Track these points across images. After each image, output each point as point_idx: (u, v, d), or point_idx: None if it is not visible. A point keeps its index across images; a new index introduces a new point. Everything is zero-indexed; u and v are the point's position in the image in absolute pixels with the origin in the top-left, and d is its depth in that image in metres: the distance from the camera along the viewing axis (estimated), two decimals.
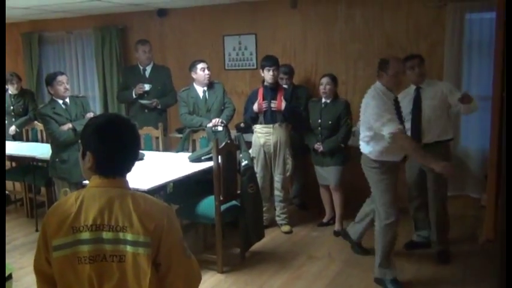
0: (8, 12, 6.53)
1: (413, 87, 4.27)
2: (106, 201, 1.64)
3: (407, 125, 4.15)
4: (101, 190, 1.67)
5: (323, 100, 4.87)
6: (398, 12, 5.45)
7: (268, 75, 4.83)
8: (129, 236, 1.61)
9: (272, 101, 4.84)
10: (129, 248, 1.61)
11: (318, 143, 4.84)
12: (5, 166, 1.69)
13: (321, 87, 4.84)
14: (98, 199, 1.65)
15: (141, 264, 1.61)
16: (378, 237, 3.77)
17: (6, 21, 7.61)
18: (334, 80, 4.84)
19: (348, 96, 5.40)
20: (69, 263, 1.63)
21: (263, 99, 4.86)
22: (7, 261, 2.07)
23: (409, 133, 4.21)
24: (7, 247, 4.61)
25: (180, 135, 5.37)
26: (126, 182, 1.73)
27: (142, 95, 5.65)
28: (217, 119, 5.03)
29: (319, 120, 4.85)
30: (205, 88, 5.14)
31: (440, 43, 5.19)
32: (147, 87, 5.62)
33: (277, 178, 5.01)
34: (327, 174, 4.90)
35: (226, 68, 6.54)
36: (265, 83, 4.91)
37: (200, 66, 5.08)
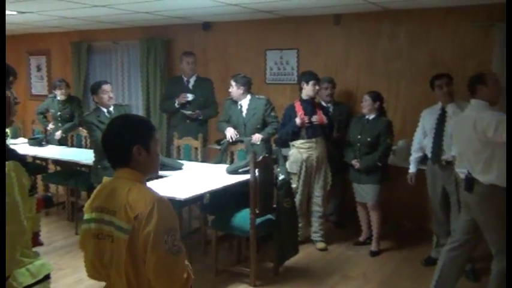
0: (59, 22, 6.80)
1: (439, 104, 4.34)
2: (112, 189, 1.88)
3: (429, 140, 4.38)
4: (115, 180, 1.92)
5: (366, 116, 4.84)
6: (444, 31, 5.35)
7: (314, 89, 4.84)
8: (116, 221, 1.81)
9: (313, 116, 4.83)
10: (116, 232, 1.81)
11: (356, 159, 4.79)
12: (5, 167, 1.77)
13: (362, 104, 4.85)
14: (108, 186, 1.91)
15: (120, 248, 1.79)
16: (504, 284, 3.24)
17: (57, 30, 7.94)
18: (372, 97, 4.78)
19: (389, 115, 5.31)
20: (87, 235, 1.92)
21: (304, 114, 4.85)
22: (46, 261, 2.13)
23: (429, 148, 4.39)
24: (47, 248, 4.74)
25: (219, 147, 5.41)
26: (134, 174, 1.88)
27: (185, 105, 5.71)
28: (257, 136, 5.01)
29: (359, 136, 4.80)
30: (243, 103, 5.12)
31: (487, 63, 5.04)
32: (190, 96, 5.67)
33: (318, 193, 4.96)
34: (364, 192, 4.82)
35: (267, 81, 6.58)
36: (305, 97, 4.90)
37: (231, 82, 5.08)
